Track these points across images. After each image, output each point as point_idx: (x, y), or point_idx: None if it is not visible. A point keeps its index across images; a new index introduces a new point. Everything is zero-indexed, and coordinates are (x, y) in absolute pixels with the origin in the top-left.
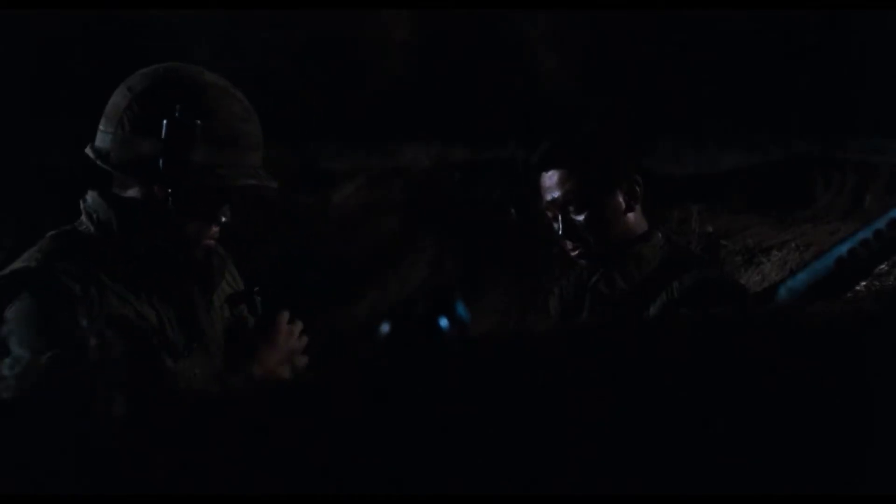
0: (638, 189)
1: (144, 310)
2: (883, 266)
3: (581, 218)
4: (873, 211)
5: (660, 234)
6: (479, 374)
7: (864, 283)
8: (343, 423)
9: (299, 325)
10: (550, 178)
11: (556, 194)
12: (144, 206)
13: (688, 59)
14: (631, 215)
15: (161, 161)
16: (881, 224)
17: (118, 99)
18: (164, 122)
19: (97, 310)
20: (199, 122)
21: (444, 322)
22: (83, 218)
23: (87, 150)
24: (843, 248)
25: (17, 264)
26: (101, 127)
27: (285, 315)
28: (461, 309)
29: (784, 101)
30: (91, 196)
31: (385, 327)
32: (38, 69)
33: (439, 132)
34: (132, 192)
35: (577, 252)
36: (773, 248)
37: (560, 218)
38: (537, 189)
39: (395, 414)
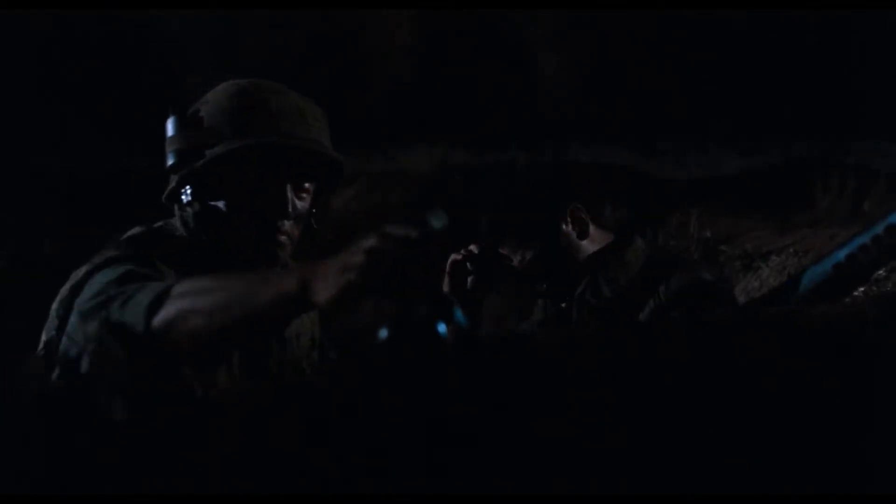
0: (582, 215)
1: None
2: (881, 271)
3: (547, 270)
4: (873, 216)
5: (640, 239)
6: (479, 375)
7: (862, 289)
8: (343, 424)
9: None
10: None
11: (517, 260)
12: (206, 213)
13: (688, 61)
14: (587, 241)
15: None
16: (880, 229)
17: None
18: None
19: None
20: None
21: (442, 328)
22: (175, 220)
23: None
24: (842, 254)
25: (96, 259)
26: None
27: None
28: (459, 314)
29: (784, 104)
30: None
31: (384, 332)
32: (37, 70)
33: (440, 136)
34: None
35: (556, 295)
36: (772, 252)
37: (532, 281)
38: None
39: (395, 415)
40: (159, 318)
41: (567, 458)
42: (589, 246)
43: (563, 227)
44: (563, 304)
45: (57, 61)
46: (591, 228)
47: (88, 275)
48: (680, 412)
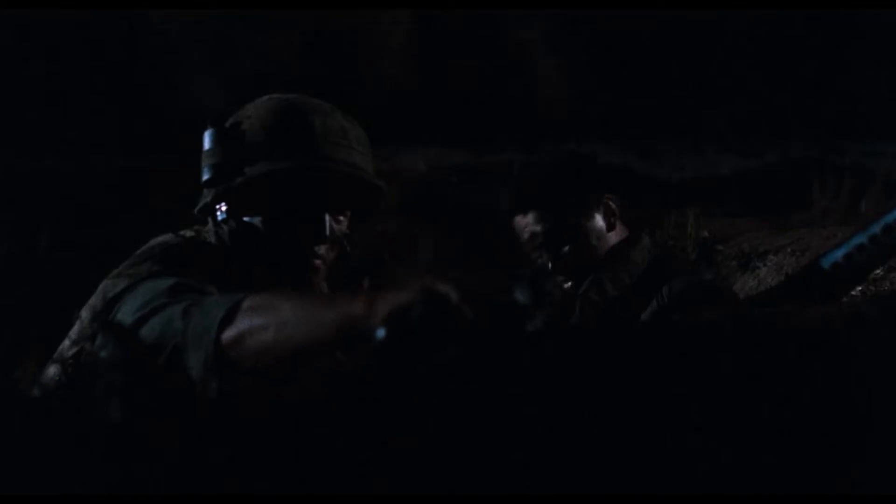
0: (613, 206)
1: None
2: (878, 271)
3: (567, 249)
4: (870, 215)
5: (647, 238)
6: (477, 375)
7: (859, 288)
8: (339, 425)
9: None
10: (526, 219)
11: (537, 230)
12: (241, 232)
13: (685, 62)
14: (612, 233)
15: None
16: (877, 229)
17: None
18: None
19: None
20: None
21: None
22: (208, 232)
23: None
24: (839, 253)
25: (134, 271)
26: None
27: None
28: None
29: (781, 105)
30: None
31: (380, 332)
32: (36, 70)
33: (436, 136)
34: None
35: (569, 283)
36: (770, 252)
37: (545, 254)
38: (513, 231)
39: (392, 415)
40: (230, 332)
41: (566, 457)
42: (612, 239)
43: (595, 216)
44: (572, 293)
45: (56, 62)
46: (617, 222)
47: (130, 289)
48: (677, 413)
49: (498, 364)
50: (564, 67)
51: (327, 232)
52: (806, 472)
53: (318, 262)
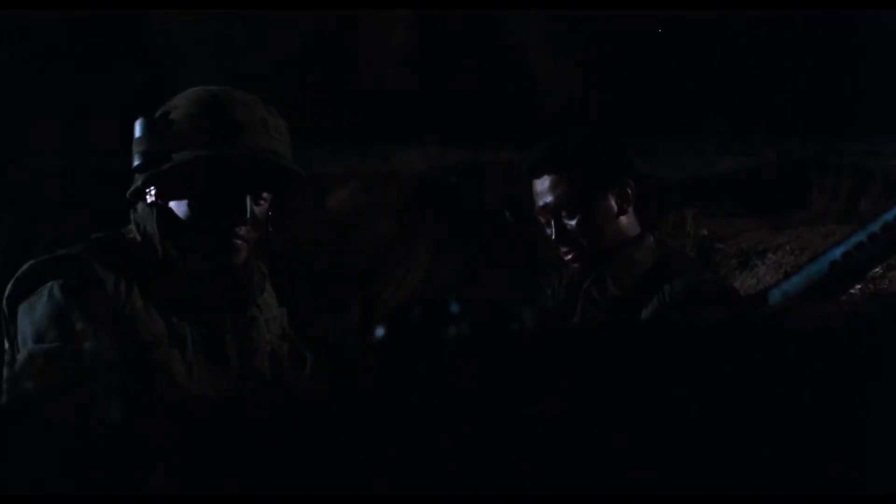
0: (629, 192)
1: (174, 326)
2: (877, 269)
3: (573, 222)
4: (868, 214)
5: (651, 238)
6: (477, 374)
7: (858, 287)
8: (339, 425)
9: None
10: (542, 184)
11: (548, 199)
12: (166, 213)
13: (685, 62)
14: (623, 219)
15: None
16: (875, 227)
17: None
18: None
19: (121, 309)
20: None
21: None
22: (131, 226)
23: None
24: (838, 252)
25: (54, 254)
26: None
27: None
28: (454, 309)
29: (780, 104)
30: (140, 206)
31: (379, 331)
32: (35, 70)
33: (435, 135)
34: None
35: (570, 256)
36: (768, 251)
37: (553, 223)
38: (530, 194)
39: (392, 415)
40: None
41: (567, 457)
42: (621, 226)
43: (608, 195)
44: (567, 298)
45: (55, 62)
46: (629, 211)
47: (31, 275)
48: (677, 413)
49: (498, 363)
50: (564, 67)
51: (248, 213)
52: (806, 472)
53: (238, 242)
